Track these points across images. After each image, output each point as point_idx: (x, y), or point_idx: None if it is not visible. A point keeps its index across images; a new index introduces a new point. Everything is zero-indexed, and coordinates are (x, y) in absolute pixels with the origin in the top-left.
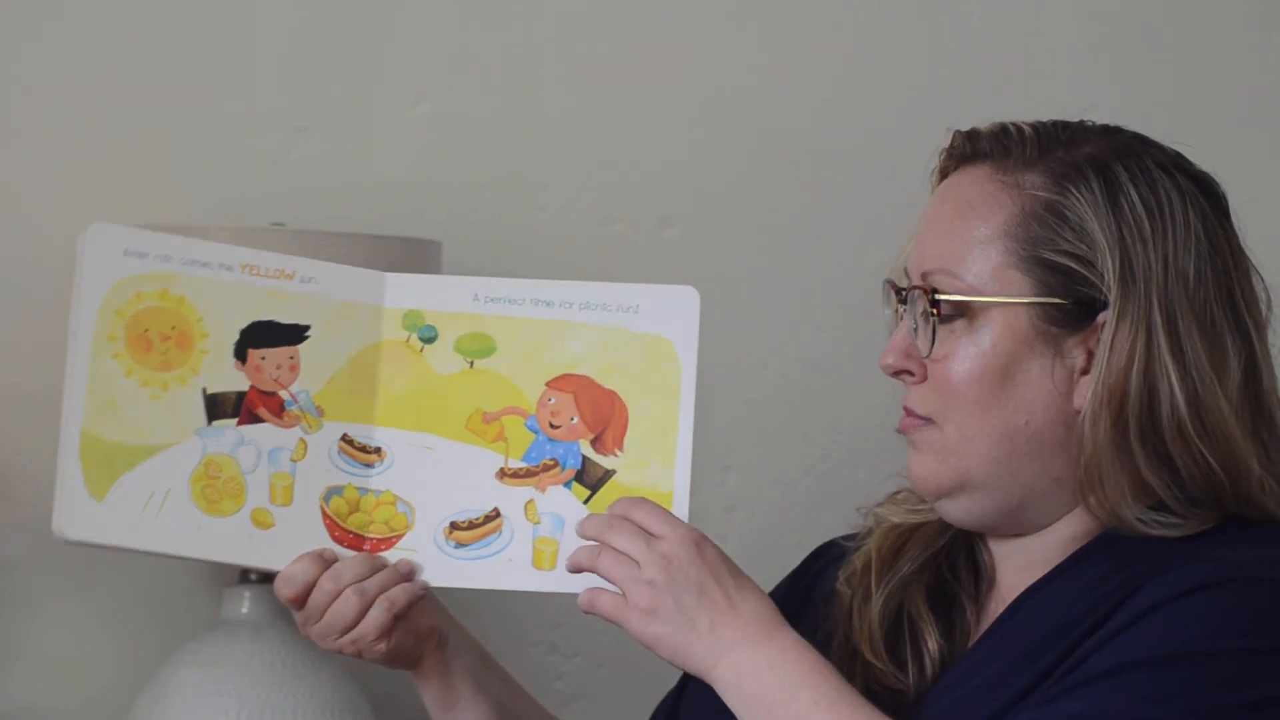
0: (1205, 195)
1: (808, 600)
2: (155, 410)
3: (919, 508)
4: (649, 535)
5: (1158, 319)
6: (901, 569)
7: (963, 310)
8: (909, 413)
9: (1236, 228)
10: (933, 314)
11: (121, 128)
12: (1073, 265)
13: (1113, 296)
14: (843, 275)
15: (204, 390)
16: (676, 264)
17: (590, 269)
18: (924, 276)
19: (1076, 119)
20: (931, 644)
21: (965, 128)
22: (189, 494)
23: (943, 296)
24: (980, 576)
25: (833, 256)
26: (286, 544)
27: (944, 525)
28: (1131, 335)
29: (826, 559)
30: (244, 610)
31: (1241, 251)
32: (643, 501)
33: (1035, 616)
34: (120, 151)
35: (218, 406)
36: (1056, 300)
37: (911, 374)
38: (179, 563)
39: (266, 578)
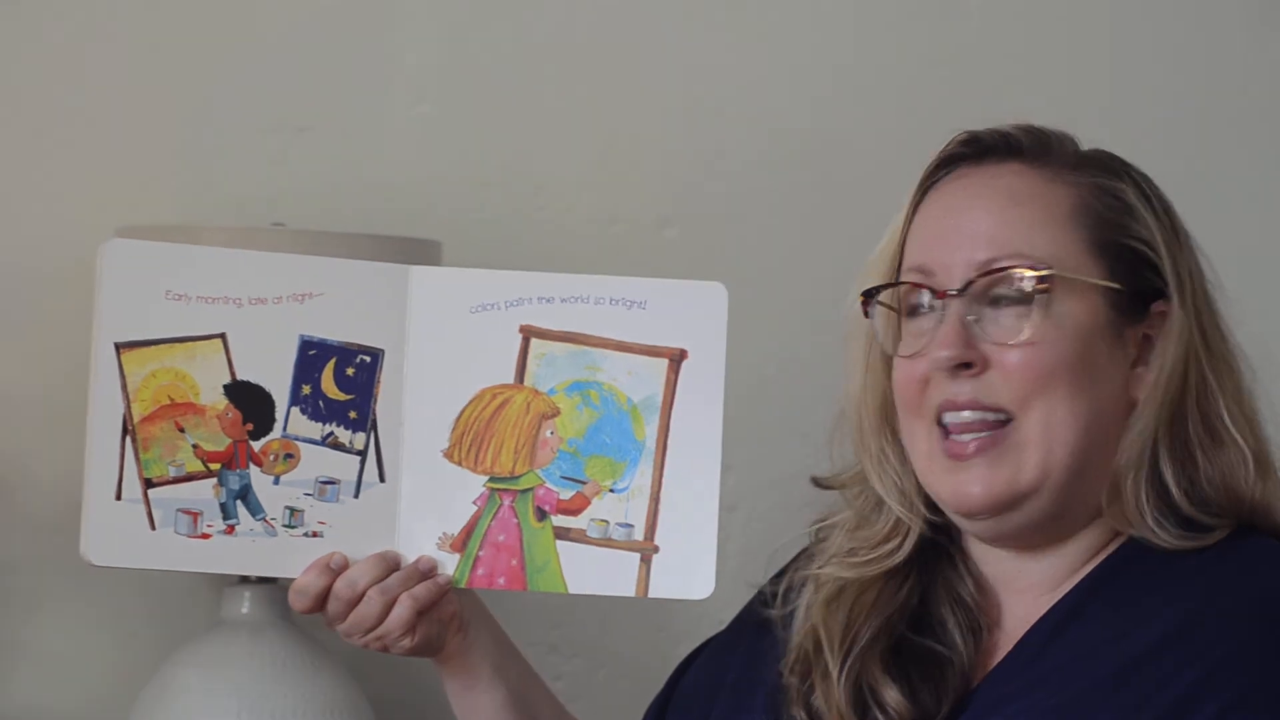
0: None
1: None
2: None
3: (868, 558)
4: None
5: (1202, 313)
6: (858, 642)
7: (1046, 289)
8: (974, 405)
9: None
10: (1039, 290)
11: (122, 128)
12: (1143, 250)
13: (1172, 287)
14: (843, 275)
15: None
16: (676, 264)
17: (590, 269)
18: (986, 264)
19: (1063, 127)
20: (892, 700)
21: (967, 127)
22: None
23: (1043, 272)
24: (969, 614)
25: (833, 256)
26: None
27: (894, 586)
28: (1187, 327)
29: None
30: (244, 610)
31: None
32: None
33: (1083, 642)
34: (120, 151)
35: None
36: (1119, 286)
37: (970, 365)
38: None
39: (266, 578)
